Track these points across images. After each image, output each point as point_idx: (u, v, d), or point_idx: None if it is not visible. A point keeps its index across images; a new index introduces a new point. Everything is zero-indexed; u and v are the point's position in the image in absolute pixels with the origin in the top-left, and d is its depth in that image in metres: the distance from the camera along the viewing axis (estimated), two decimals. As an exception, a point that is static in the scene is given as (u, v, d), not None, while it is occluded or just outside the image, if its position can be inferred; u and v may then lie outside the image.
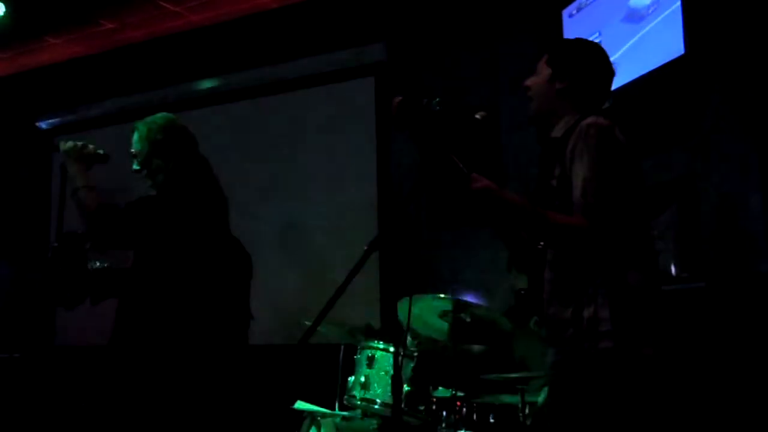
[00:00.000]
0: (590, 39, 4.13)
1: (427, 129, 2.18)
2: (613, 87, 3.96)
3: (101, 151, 3.23)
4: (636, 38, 3.93)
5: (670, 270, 3.64)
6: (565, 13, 4.53)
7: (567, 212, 2.17)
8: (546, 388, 3.69)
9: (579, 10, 4.43)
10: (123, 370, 2.98)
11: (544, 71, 2.44)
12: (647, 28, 3.85)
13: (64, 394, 6.02)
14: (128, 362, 2.96)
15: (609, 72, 2.46)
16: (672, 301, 2.38)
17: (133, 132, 3.20)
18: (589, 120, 2.24)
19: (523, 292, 2.39)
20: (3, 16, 5.77)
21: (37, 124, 7.30)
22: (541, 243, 2.34)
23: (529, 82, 2.48)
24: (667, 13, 3.69)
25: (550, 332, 2.26)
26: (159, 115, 3.24)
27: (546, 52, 2.48)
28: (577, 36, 4.20)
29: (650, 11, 3.81)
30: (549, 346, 2.27)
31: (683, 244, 3.78)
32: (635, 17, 3.93)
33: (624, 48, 4.01)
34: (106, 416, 3.06)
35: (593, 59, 2.44)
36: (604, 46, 4.07)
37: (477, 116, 2.37)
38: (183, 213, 3.02)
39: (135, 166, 3.17)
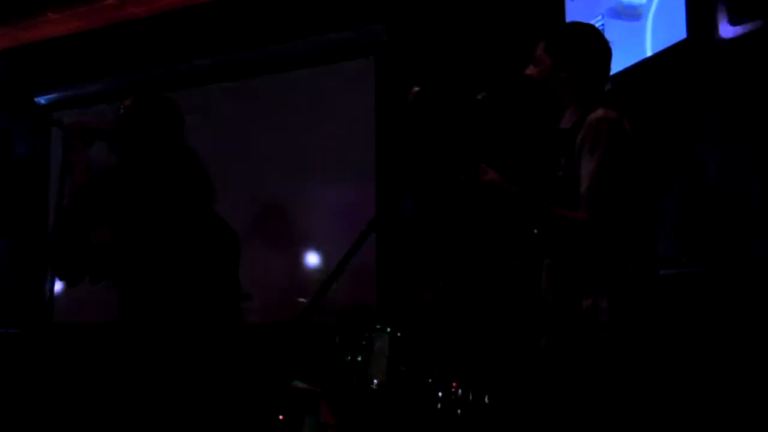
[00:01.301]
0: (593, 22, 4.17)
1: (442, 120, 2.17)
2: (616, 70, 3.97)
3: (105, 129, 3.21)
4: (638, 22, 3.91)
5: (668, 254, 3.64)
6: (567, -5, 4.50)
7: (573, 204, 2.16)
8: None
9: (582, -8, 4.40)
10: (121, 349, 2.98)
11: (545, 60, 2.39)
12: (650, 12, 3.83)
13: (61, 371, 6.04)
14: (126, 341, 2.97)
15: (609, 54, 2.42)
16: (669, 286, 2.39)
17: (122, 103, 3.16)
18: (599, 113, 2.21)
19: (516, 278, 2.40)
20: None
21: (36, 99, 7.28)
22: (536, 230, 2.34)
23: (530, 71, 2.42)
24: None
25: (545, 318, 2.25)
26: (153, 93, 3.20)
27: (543, 39, 2.42)
28: (579, 19, 4.21)
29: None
30: (542, 330, 2.27)
31: (682, 229, 3.78)
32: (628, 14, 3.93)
33: (626, 31, 3.98)
34: (104, 395, 3.07)
35: (594, 44, 2.40)
36: (606, 29, 4.11)
37: (478, 97, 2.35)
38: (154, 188, 2.97)
39: (114, 134, 3.13)
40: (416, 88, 2.20)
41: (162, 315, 2.94)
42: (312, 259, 5.62)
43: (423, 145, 2.19)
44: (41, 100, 7.26)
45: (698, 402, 3.01)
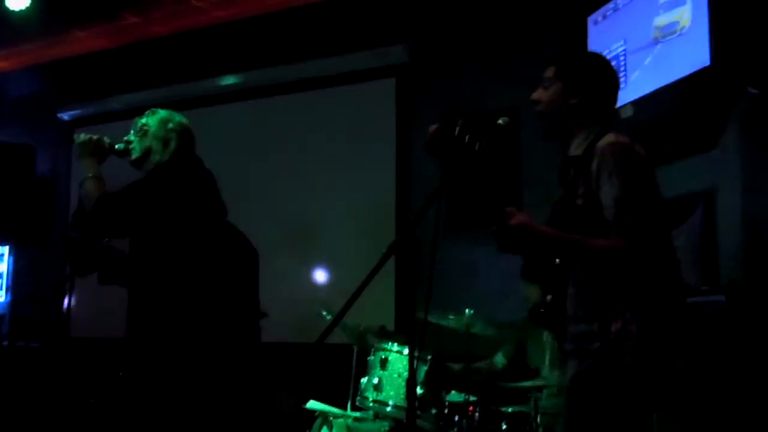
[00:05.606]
0: (615, 47, 4.17)
1: (459, 160, 2.16)
2: (638, 95, 3.97)
3: (120, 146, 3.22)
4: (661, 48, 3.90)
5: (690, 282, 3.61)
6: (590, 20, 4.51)
7: (594, 231, 2.14)
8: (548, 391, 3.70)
9: (605, 17, 4.40)
10: (133, 365, 2.98)
11: (554, 85, 2.39)
12: (673, 38, 3.82)
13: (77, 385, 6.06)
14: (138, 357, 2.97)
15: (617, 84, 2.44)
16: (691, 314, 2.37)
17: (143, 117, 3.20)
18: (610, 139, 2.22)
19: (542, 310, 2.37)
20: (29, 8, 5.79)
21: (59, 115, 7.34)
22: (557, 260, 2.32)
23: (537, 95, 2.42)
24: (694, 24, 3.66)
25: (574, 347, 2.24)
26: (172, 113, 3.24)
27: (553, 64, 2.42)
28: (602, 44, 4.21)
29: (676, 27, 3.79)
30: (571, 359, 2.25)
31: (703, 257, 3.75)
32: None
33: (649, 57, 3.98)
34: (116, 410, 3.08)
35: (603, 72, 2.41)
36: (628, 54, 4.11)
37: (500, 122, 2.35)
38: (172, 201, 2.98)
39: (132, 148, 3.18)
40: (434, 127, 2.20)
41: (174, 328, 2.94)
42: (330, 278, 5.63)
43: (447, 184, 2.16)
44: (65, 116, 7.33)
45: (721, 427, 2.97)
